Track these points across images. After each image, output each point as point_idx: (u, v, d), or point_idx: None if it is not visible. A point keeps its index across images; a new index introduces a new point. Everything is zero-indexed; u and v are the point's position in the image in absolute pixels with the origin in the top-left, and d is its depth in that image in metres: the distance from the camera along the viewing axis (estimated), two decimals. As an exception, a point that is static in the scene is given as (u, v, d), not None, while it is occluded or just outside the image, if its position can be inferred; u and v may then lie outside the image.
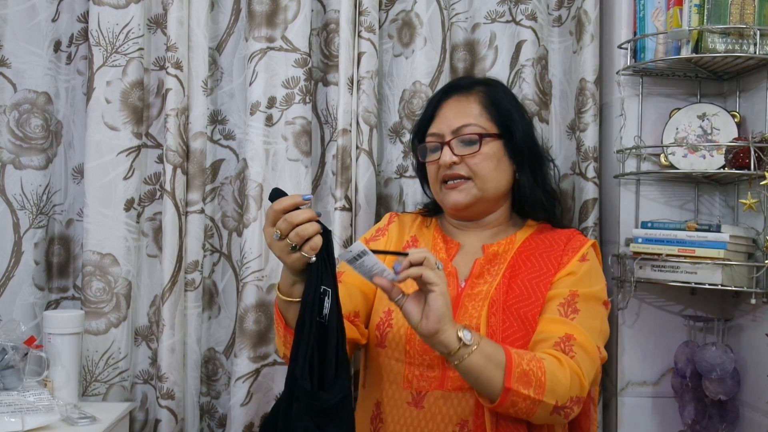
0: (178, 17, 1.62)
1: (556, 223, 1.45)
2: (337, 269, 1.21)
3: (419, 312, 1.12)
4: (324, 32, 1.74)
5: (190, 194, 1.65)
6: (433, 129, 1.39)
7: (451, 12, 1.78)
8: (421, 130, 1.44)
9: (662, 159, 1.57)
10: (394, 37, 1.77)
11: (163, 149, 1.63)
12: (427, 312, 1.10)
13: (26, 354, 1.44)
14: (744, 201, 1.45)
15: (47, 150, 1.69)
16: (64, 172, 1.72)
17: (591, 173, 1.66)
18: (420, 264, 1.10)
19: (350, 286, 1.34)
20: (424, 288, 1.11)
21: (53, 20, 1.69)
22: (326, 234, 1.12)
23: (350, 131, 1.67)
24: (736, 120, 1.54)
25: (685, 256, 1.45)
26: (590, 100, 1.66)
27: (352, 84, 1.67)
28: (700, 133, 1.55)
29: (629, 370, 1.60)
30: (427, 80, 1.71)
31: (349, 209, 1.67)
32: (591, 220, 1.65)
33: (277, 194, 1.13)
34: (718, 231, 1.43)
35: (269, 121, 1.65)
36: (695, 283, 1.45)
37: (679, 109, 1.58)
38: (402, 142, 1.74)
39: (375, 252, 1.11)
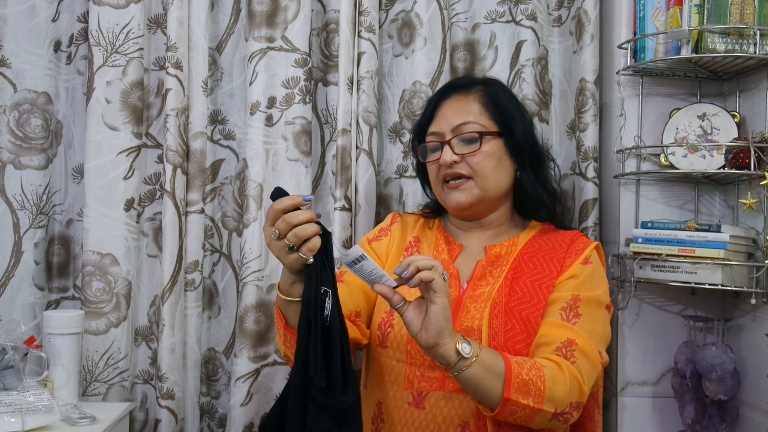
0: (178, 17, 1.62)
1: (559, 223, 1.44)
2: (337, 271, 1.21)
3: (419, 322, 1.12)
4: (324, 32, 1.74)
5: (190, 194, 1.65)
6: (433, 128, 1.39)
7: (451, 12, 1.78)
8: (420, 130, 1.44)
9: (662, 159, 1.57)
10: (394, 37, 1.77)
11: (163, 149, 1.63)
12: (427, 324, 1.10)
13: (26, 354, 1.43)
14: (744, 201, 1.44)
15: (47, 150, 1.69)
16: (64, 172, 1.72)
17: (591, 173, 1.66)
18: (430, 269, 1.10)
19: (352, 285, 1.34)
20: (427, 295, 1.11)
21: (53, 20, 1.69)
22: (325, 235, 1.12)
23: (350, 131, 1.67)
24: (736, 120, 1.53)
25: (685, 256, 1.45)
26: (590, 100, 1.66)
27: (352, 84, 1.67)
28: (700, 133, 1.55)
29: (629, 370, 1.60)
30: (427, 80, 1.71)
31: (349, 209, 1.66)
32: (591, 220, 1.65)
33: (278, 193, 1.13)
34: (718, 231, 1.43)
35: (269, 121, 1.65)
36: (695, 283, 1.45)
37: (679, 109, 1.58)
38: (402, 142, 1.74)
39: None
